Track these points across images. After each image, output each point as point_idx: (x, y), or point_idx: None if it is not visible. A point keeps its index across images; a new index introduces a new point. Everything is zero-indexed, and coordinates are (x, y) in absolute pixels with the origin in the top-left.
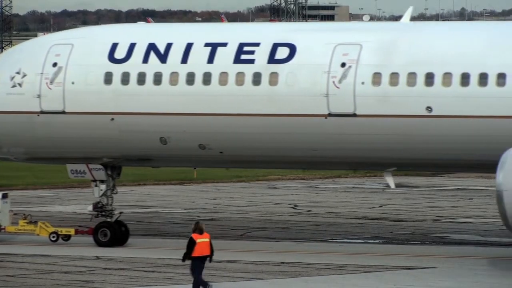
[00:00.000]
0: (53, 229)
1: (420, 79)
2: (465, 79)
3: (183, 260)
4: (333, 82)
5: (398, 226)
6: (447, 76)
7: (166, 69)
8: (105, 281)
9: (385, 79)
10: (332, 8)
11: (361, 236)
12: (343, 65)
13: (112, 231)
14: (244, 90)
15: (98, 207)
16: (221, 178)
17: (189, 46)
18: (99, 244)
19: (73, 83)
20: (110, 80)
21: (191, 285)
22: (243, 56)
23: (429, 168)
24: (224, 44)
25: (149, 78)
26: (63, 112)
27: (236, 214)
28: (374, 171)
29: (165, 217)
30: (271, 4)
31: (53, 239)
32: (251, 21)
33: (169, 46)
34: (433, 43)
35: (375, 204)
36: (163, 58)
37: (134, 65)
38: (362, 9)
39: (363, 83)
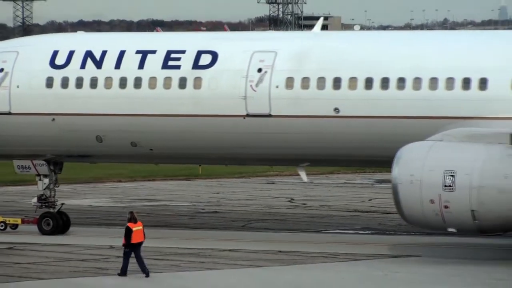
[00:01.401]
0: (1, 219)
1: (329, 83)
2: (368, 83)
3: (125, 247)
4: (251, 86)
5: (386, 218)
6: (353, 80)
7: (101, 74)
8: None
9: (297, 83)
10: (325, 18)
11: (352, 227)
12: (259, 70)
13: (54, 221)
14: (171, 93)
15: (42, 199)
16: (224, 174)
17: (122, 53)
18: (43, 232)
19: (18, 86)
20: (51, 84)
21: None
22: (171, 62)
23: (338, 163)
24: (154, 52)
25: (86, 82)
26: (9, 113)
27: (237, 207)
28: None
29: (172, 209)
30: (270, 14)
31: (1, 228)
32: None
33: (104, 53)
34: (340, 51)
35: (365, 198)
36: (98, 64)
37: (73, 71)
38: (353, 19)
39: (277, 86)
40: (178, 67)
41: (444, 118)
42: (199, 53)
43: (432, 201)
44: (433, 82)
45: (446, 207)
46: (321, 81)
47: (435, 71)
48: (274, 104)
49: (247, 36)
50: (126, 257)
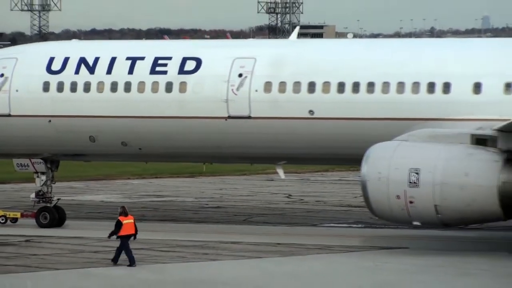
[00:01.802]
0: (2, 213)
1: (304, 87)
2: (341, 87)
3: (109, 236)
4: (232, 89)
5: None
6: (326, 85)
7: (94, 79)
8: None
9: (275, 87)
10: (321, 27)
11: (346, 221)
12: (240, 75)
13: (51, 215)
14: (159, 96)
15: (40, 195)
16: (226, 172)
17: (113, 60)
18: (40, 225)
19: (17, 90)
20: (48, 88)
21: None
22: (158, 68)
23: (313, 162)
24: (142, 58)
25: (80, 87)
26: (9, 115)
27: (239, 202)
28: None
29: (179, 204)
30: (269, 24)
31: (2, 221)
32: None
33: (96, 59)
34: (315, 57)
35: (358, 194)
36: (91, 70)
37: (68, 76)
38: (346, 28)
39: (256, 90)
40: (165, 72)
41: (410, 119)
42: (184, 60)
43: (398, 197)
44: (400, 86)
45: (411, 202)
46: (297, 85)
47: (402, 76)
48: (253, 107)
49: (228, 44)
50: (125, 248)
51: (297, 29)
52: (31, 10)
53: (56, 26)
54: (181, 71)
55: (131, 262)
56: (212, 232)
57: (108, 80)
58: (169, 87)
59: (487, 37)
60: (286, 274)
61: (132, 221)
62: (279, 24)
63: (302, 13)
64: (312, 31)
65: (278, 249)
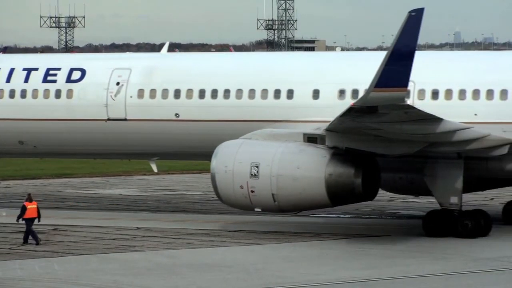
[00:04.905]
0: None
1: (171, 94)
2: (202, 93)
3: (17, 220)
4: (111, 96)
5: (361, 204)
6: (190, 92)
7: None
8: (143, 246)
9: (147, 93)
10: (312, 41)
11: (334, 212)
12: (118, 83)
13: None
14: (49, 102)
15: None
16: None
17: (12, 70)
18: None
19: None
20: None
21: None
22: (49, 77)
23: (180, 157)
24: (36, 69)
25: None
26: None
27: None
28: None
29: (188, 197)
30: (267, 39)
31: None
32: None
33: None
34: (181, 68)
35: None
36: None
37: None
38: (335, 42)
39: (131, 96)
40: (55, 81)
41: (260, 121)
42: (71, 70)
43: (241, 187)
44: (252, 92)
45: (252, 191)
46: (165, 92)
47: (253, 84)
48: (129, 111)
49: (109, 56)
50: (30, 229)
51: (167, 44)
52: (58, 27)
53: (80, 41)
54: (68, 80)
55: (37, 241)
56: (217, 221)
57: (7, 87)
58: (58, 93)
59: (459, 50)
60: (282, 258)
61: (35, 206)
62: (276, 39)
63: (296, 29)
64: (305, 45)
65: (275, 237)
